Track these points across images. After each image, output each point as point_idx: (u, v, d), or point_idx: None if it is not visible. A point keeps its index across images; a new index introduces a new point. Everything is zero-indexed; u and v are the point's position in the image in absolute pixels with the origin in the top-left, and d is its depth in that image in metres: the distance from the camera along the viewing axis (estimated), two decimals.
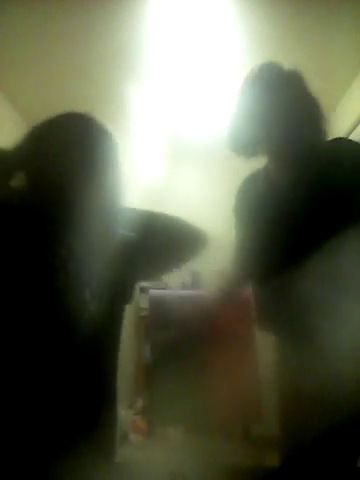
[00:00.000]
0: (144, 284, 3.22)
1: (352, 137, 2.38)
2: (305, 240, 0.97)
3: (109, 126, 0.96)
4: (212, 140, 3.12)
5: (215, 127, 3.04)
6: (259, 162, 1.21)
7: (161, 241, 1.03)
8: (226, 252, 1.23)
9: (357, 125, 2.47)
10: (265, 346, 1.22)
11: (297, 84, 1.06)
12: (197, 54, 2.34)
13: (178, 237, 1.06)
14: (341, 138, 1.09)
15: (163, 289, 2.61)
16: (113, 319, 0.94)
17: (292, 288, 0.91)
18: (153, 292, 1.56)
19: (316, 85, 1.12)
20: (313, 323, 0.87)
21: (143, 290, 3.11)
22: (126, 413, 2.81)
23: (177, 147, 3.04)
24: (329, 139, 1.07)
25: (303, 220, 0.99)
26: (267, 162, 1.14)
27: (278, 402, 1.06)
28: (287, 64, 1.10)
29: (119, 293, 0.94)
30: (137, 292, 3.27)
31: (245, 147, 1.12)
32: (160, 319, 1.40)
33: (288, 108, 1.03)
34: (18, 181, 0.88)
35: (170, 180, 3.04)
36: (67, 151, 0.89)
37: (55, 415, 0.77)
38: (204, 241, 1.09)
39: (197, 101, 2.85)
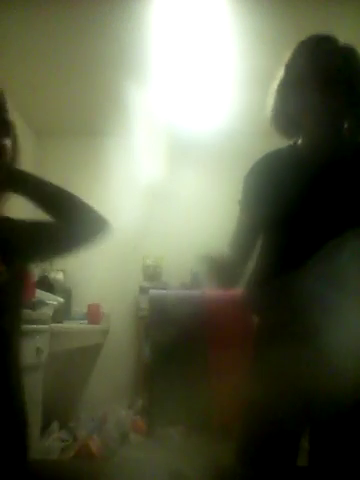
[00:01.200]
0: (144, 284, 3.21)
1: None
2: (328, 222, 0.95)
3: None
4: (212, 140, 3.13)
5: (215, 127, 3.05)
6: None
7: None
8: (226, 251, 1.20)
9: None
10: None
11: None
12: (198, 54, 2.34)
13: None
14: None
15: (163, 289, 2.60)
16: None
17: (294, 283, 0.90)
18: (153, 292, 1.56)
19: None
20: (314, 320, 0.86)
21: (143, 290, 3.10)
22: (126, 413, 2.81)
23: (178, 147, 3.04)
24: None
25: (331, 202, 0.97)
26: (301, 141, 1.09)
27: (253, 397, 1.03)
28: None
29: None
30: (137, 292, 3.26)
31: (288, 128, 1.09)
32: (160, 319, 1.40)
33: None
34: None
35: (171, 180, 3.04)
36: None
37: None
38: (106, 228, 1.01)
39: (198, 101, 2.85)
